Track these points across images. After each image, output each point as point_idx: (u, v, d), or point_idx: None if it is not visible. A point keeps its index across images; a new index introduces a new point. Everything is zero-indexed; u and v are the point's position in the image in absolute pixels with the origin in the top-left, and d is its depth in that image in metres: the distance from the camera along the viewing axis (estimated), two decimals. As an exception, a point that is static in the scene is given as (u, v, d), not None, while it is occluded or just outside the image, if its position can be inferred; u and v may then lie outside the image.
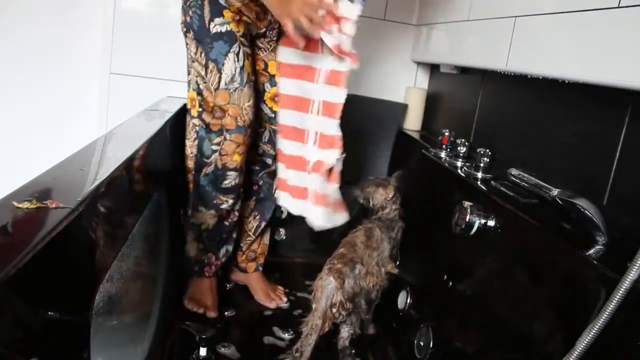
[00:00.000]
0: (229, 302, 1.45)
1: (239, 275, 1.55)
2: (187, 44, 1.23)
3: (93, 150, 0.99)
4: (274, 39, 1.30)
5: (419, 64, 2.01)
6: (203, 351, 1.18)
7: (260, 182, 1.45)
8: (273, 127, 1.38)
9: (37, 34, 1.79)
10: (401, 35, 1.97)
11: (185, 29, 1.22)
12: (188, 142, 1.28)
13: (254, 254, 1.51)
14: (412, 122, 1.96)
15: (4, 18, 1.77)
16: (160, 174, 1.25)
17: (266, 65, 1.33)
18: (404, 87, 2.02)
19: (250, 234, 1.48)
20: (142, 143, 1.05)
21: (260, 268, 1.53)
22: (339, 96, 1.21)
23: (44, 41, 1.80)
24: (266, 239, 1.54)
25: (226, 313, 1.40)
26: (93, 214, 0.71)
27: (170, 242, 1.34)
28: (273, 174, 1.42)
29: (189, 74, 1.26)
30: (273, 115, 1.37)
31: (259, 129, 1.38)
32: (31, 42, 1.80)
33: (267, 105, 1.37)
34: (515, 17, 1.21)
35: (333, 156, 1.24)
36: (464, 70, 1.68)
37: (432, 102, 1.94)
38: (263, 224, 1.49)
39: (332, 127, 1.23)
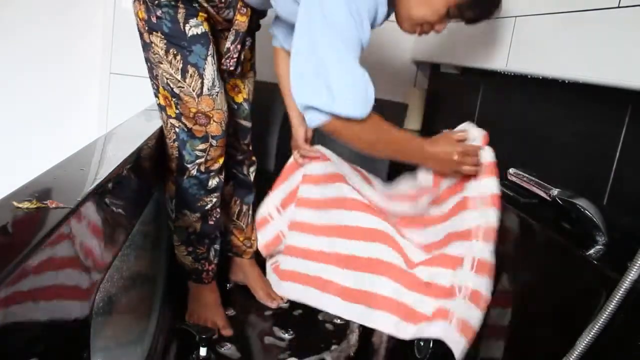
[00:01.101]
0: (229, 302, 1.45)
1: (238, 276, 1.55)
2: (150, 42, 1.14)
3: (93, 150, 0.99)
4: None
5: (419, 64, 2.01)
6: (203, 351, 1.18)
7: (233, 170, 1.45)
8: (235, 119, 1.36)
9: (37, 34, 1.80)
10: (401, 35, 1.96)
11: (147, 28, 1.13)
12: (168, 142, 1.22)
13: (249, 241, 1.52)
14: (412, 122, 1.96)
15: (4, 18, 1.77)
16: (160, 173, 1.25)
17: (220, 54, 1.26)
18: (404, 87, 2.01)
19: (234, 219, 1.49)
20: (142, 143, 1.05)
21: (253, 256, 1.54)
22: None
23: (44, 41, 1.80)
24: (251, 222, 1.54)
25: (226, 313, 1.40)
26: (93, 214, 0.71)
27: (170, 242, 1.34)
28: (241, 163, 1.44)
29: (151, 69, 1.19)
30: (235, 107, 1.34)
31: None
32: (31, 42, 1.80)
33: (229, 95, 1.32)
34: (515, 17, 1.21)
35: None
36: (464, 70, 1.68)
37: (432, 102, 1.94)
38: (245, 208, 1.49)
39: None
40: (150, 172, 1.15)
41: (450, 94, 1.83)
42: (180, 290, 1.38)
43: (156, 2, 1.09)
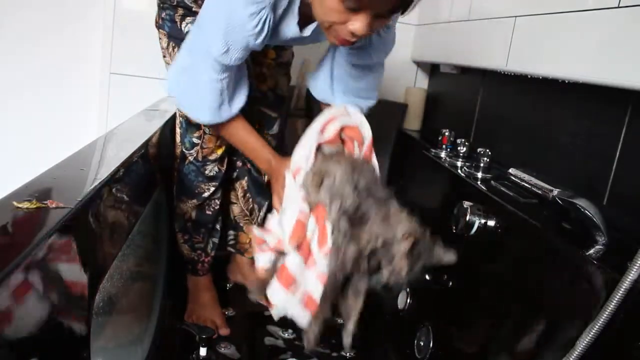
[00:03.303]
0: (228, 302, 1.45)
1: (237, 276, 1.55)
2: (159, 39, 1.25)
3: (93, 150, 0.99)
4: None
5: (419, 64, 2.01)
6: (203, 351, 1.18)
7: (248, 165, 1.44)
8: (258, 107, 1.36)
9: (37, 34, 1.79)
10: (401, 35, 1.96)
11: (157, 27, 1.25)
12: (177, 130, 1.29)
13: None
14: (412, 122, 1.96)
15: (4, 17, 1.77)
16: (160, 173, 1.25)
17: None
18: (404, 87, 2.01)
19: (248, 215, 1.48)
20: (142, 143, 1.05)
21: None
22: None
23: (44, 41, 1.80)
24: (261, 222, 1.53)
25: (226, 313, 1.40)
26: (93, 214, 0.71)
27: (170, 242, 1.34)
28: None
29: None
30: (259, 94, 1.34)
31: None
32: (31, 42, 1.80)
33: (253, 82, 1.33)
34: (515, 17, 1.22)
35: None
36: (464, 70, 1.68)
37: (432, 102, 1.94)
38: (256, 207, 1.49)
39: None
40: (151, 172, 1.15)
41: (450, 94, 1.83)
42: (180, 290, 1.39)
43: (162, 5, 1.21)
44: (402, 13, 0.88)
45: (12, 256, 0.50)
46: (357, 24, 0.84)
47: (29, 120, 1.84)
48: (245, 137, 1.14)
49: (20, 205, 0.62)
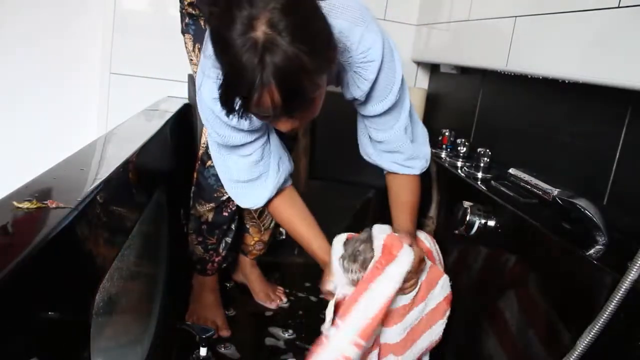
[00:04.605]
0: (229, 302, 1.45)
1: (239, 276, 1.55)
2: (185, 42, 1.28)
3: (93, 150, 0.99)
4: None
5: (419, 64, 2.01)
6: (203, 351, 1.18)
7: None
8: None
9: (37, 34, 1.79)
10: (401, 35, 1.97)
11: (182, 31, 1.28)
12: (204, 130, 1.29)
13: (262, 244, 1.51)
14: (412, 122, 1.96)
15: (4, 17, 1.77)
16: (160, 173, 1.25)
17: None
18: (404, 87, 2.01)
19: (255, 217, 1.48)
20: (142, 143, 1.05)
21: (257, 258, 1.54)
22: None
23: (44, 41, 1.80)
24: (269, 226, 1.53)
25: (227, 313, 1.40)
26: (93, 214, 0.71)
27: (170, 242, 1.34)
28: None
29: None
30: None
31: None
32: (31, 42, 1.80)
33: None
34: (515, 17, 1.21)
35: None
36: (464, 70, 1.68)
37: (432, 102, 1.94)
38: (266, 210, 1.48)
39: None
40: (151, 172, 1.15)
41: (450, 94, 1.83)
42: (180, 290, 1.39)
43: (183, 11, 1.25)
44: (295, 111, 0.77)
45: (12, 256, 0.50)
46: (277, 124, 0.83)
47: (28, 120, 1.84)
48: (296, 222, 1.09)
49: (20, 205, 0.62)
